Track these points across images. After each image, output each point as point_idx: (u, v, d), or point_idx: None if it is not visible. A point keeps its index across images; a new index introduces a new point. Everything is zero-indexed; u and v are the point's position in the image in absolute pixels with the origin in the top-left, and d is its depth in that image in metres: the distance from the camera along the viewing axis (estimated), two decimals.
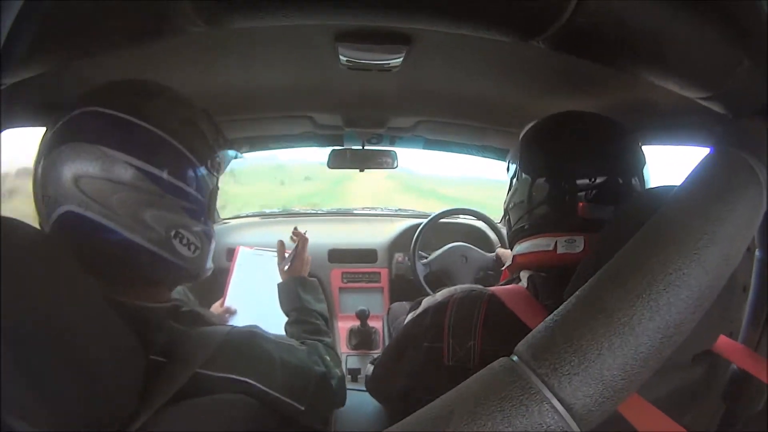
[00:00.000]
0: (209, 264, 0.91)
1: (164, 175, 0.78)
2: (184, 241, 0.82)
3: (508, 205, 1.03)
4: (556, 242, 0.88)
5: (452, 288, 0.97)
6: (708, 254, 0.48)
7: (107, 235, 0.75)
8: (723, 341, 0.79)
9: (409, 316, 1.05)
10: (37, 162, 0.77)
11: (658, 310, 0.45)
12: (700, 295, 0.47)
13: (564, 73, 1.12)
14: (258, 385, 0.81)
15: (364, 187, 7.08)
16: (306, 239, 1.33)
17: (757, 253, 0.85)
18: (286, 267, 1.28)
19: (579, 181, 0.89)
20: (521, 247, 0.96)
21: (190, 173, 0.82)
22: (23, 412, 0.56)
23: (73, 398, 0.61)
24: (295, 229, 1.38)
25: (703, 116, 0.77)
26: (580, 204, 0.88)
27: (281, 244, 1.31)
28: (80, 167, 0.73)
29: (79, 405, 0.62)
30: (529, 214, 0.95)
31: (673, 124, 1.10)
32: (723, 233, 0.50)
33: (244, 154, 2.23)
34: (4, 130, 0.90)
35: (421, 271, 2.06)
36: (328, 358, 1.01)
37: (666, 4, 0.61)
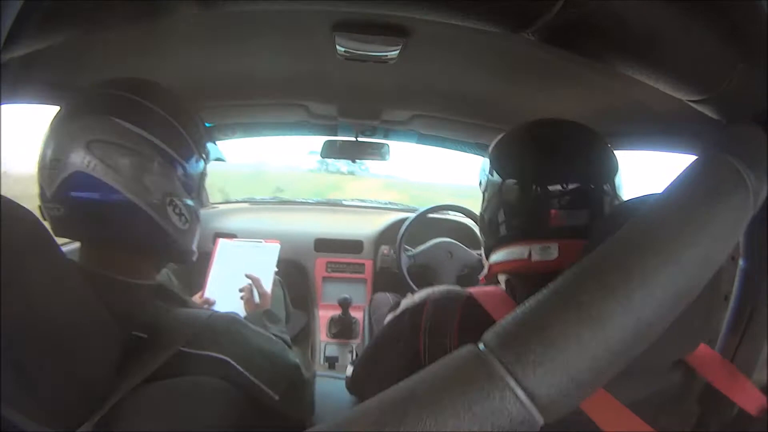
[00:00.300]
0: (195, 245, 0.96)
1: (167, 148, 0.86)
2: (177, 211, 0.88)
3: (482, 219, 1.02)
4: (530, 250, 0.88)
5: (430, 289, 0.97)
6: (687, 255, 0.48)
7: (110, 194, 0.81)
8: (701, 350, 0.79)
9: (388, 317, 1.05)
10: (49, 133, 0.83)
11: (631, 307, 0.44)
12: (676, 296, 0.47)
13: (559, 72, 1.12)
14: (237, 366, 0.83)
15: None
16: (257, 279, 1.35)
17: (740, 261, 0.86)
18: (256, 302, 1.34)
19: (551, 188, 0.89)
20: (497, 257, 0.95)
21: (186, 151, 0.89)
22: (4, 395, 0.56)
23: (51, 376, 0.62)
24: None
25: (694, 120, 0.77)
26: (553, 212, 0.88)
27: (257, 280, 1.35)
28: (94, 134, 0.80)
29: (57, 383, 0.63)
30: (503, 223, 0.94)
31: (664, 129, 1.11)
32: (704, 235, 0.50)
33: (238, 138, 2.24)
34: (4, 104, 0.91)
35: (405, 263, 2.06)
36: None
37: (660, 3, 0.61)
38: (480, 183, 1.04)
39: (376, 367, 1.01)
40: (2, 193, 0.61)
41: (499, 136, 1.02)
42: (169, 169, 0.86)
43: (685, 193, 0.55)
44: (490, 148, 1.01)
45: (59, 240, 0.75)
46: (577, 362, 0.43)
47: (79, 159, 0.80)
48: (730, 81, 0.64)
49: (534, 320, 0.45)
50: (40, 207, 0.84)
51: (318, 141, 2.20)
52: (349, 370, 1.17)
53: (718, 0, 0.58)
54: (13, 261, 0.59)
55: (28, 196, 0.83)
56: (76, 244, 0.90)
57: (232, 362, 0.83)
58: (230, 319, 0.90)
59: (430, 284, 1.04)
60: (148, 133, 0.83)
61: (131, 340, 0.76)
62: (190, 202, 0.91)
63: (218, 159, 1.02)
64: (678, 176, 0.56)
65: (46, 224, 0.76)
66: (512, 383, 0.41)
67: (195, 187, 0.93)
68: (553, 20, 0.68)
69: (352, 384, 1.15)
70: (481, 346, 0.45)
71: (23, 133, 0.90)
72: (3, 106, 0.93)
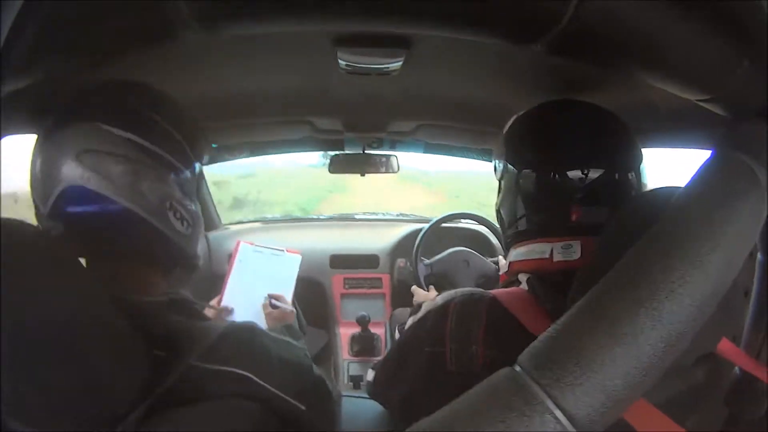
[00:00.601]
0: (199, 251, 0.94)
1: (159, 150, 0.83)
2: (178, 215, 0.85)
3: (499, 207, 1.00)
4: (552, 249, 0.85)
5: (453, 291, 0.93)
6: (710, 261, 0.48)
7: (107, 205, 0.78)
8: (725, 344, 0.78)
9: (410, 321, 1.02)
10: (36, 149, 0.81)
11: (661, 319, 0.44)
12: (702, 303, 0.47)
13: (564, 76, 1.12)
14: (257, 380, 0.80)
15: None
16: (281, 296, 1.39)
17: (759, 257, 0.85)
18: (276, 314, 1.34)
19: (571, 173, 0.86)
20: (517, 253, 0.93)
21: (181, 153, 0.87)
22: (23, 413, 0.56)
23: (74, 397, 0.61)
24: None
25: (704, 118, 0.76)
26: (576, 206, 0.85)
27: (281, 297, 1.38)
28: (82, 144, 0.78)
29: (80, 404, 0.62)
30: (522, 217, 0.92)
31: (673, 127, 1.10)
32: (725, 239, 0.50)
33: (244, 158, 2.26)
34: (4, 137, 0.91)
35: (422, 274, 2.05)
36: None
37: (666, 5, 0.61)
38: (495, 169, 1.01)
39: (400, 372, 0.98)
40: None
41: (513, 118, 0.99)
42: (165, 173, 0.84)
43: (703, 196, 0.54)
44: (504, 132, 0.99)
45: None
46: (613, 380, 0.43)
47: (71, 171, 0.77)
48: (737, 79, 0.64)
49: (567, 339, 0.45)
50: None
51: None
52: (371, 374, 1.13)
53: (722, 2, 0.57)
54: (26, 273, 0.59)
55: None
56: None
57: (252, 377, 0.80)
58: (248, 329, 0.87)
59: None
60: (138, 137, 0.80)
61: (151, 359, 0.74)
62: (189, 204, 0.89)
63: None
64: (692, 177, 0.56)
65: None
66: (551, 406, 0.41)
67: (193, 188, 0.91)
68: (561, 32, 0.68)
69: (375, 388, 1.11)
70: (517, 368, 0.45)
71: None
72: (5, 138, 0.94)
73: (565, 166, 0.86)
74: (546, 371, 0.43)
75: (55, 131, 0.80)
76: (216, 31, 0.77)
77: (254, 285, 1.38)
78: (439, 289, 1.77)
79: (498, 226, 1.04)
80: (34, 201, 0.82)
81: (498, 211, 1.01)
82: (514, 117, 0.99)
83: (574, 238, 0.84)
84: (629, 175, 0.87)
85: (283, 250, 1.58)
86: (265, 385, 0.81)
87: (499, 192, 1.00)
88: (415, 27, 0.81)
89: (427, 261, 2.08)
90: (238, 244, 1.54)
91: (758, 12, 0.54)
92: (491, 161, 1.03)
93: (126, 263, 0.84)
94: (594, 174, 0.85)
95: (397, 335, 1.34)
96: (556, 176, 0.86)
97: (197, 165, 0.92)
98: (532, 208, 0.90)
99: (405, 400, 0.96)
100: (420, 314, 0.97)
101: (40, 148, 0.81)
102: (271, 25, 0.78)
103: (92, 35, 0.67)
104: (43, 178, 0.79)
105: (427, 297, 1.65)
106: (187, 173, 0.89)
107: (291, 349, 0.93)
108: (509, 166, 0.93)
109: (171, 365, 0.74)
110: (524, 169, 0.91)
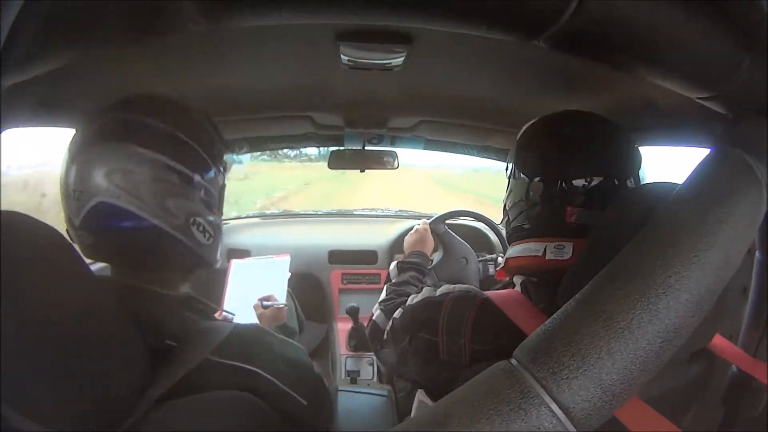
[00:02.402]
0: (219, 255, 0.99)
1: (185, 170, 0.86)
2: (201, 229, 0.90)
3: (506, 205, 1.03)
4: (545, 248, 0.88)
5: (452, 286, 0.98)
6: (708, 257, 0.48)
7: (136, 221, 0.83)
8: (721, 342, 0.79)
9: (410, 299, 1.06)
10: (69, 161, 0.84)
11: (658, 314, 0.45)
12: (699, 299, 0.47)
13: (565, 73, 1.12)
14: (265, 374, 0.84)
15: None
16: (271, 296, 1.41)
17: (757, 254, 0.85)
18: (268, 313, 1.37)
19: (575, 182, 0.89)
20: (513, 250, 0.96)
21: (206, 170, 0.91)
22: (25, 407, 0.56)
23: (76, 391, 0.62)
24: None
25: (704, 116, 0.76)
26: (572, 208, 0.88)
27: (271, 297, 1.40)
28: (113, 163, 0.81)
29: (82, 397, 0.62)
30: (524, 214, 0.95)
31: (674, 124, 1.10)
32: (723, 235, 0.50)
33: (244, 154, 2.26)
34: (5, 130, 0.91)
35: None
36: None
37: (667, 3, 0.61)
38: (506, 168, 1.05)
39: (401, 344, 1.03)
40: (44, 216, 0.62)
41: (526, 125, 1.02)
42: (190, 190, 0.88)
43: (701, 192, 0.54)
44: (518, 137, 1.02)
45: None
46: (609, 374, 0.43)
47: (102, 188, 0.81)
48: (737, 77, 0.64)
49: (564, 334, 0.45)
50: (68, 231, 0.85)
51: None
52: (378, 315, 1.20)
53: (722, 0, 0.58)
54: (33, 271, 0.60)
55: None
56: None
57: (260, 371, 0.83)
58: (255, 328, 0.92)
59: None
60: (166, 157, 0.84)
61: (163, 349, 0.78)
62: (212, 218, 0.93)
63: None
64: (691, 174, 0.56)
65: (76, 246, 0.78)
66: (547, 399, 0.42)
67: (216, 202, 0.95)
68: (563, 27, 0.68)
69: (375, 337, 1.18)
70: (513, 361, 0.45)
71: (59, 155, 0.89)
72: (15, 130, 0.94)
73: (568, 175, 0.89)
74: (542, 364, 0.43)
75: (85, 148, 0.83)
76: (219, 24, 0.77)
77: (249, 295, 1.41)
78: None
79: (498, 225, 1.07)
80: (65, 212, 0.85)
81: (505, 209, 1.04)
82: (526, 125, 1.02)
83: (567, 239, 0.87)
84: (628, 180, 0.90)
85: (272, 257, 1.62)
86: (272, 378, 0.85)
87: (507, 189, 1.03)
88: (417, 21, 0.81)
89: (427, 221, 2.07)
90: (230, 263, 1.60)
91: (759, 10, 0.55)
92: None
93: (149, 269, 0.89)
94: (596, 181, 0.88)
95: (391, 270, 1.38)
96: (561, 184, 0.90)
97: (221, 177, 0.96)
98: (532, 209, 0.93)
99: (403, 368, 1.04)
100: (419, 297, 1.02)
101: (71, 162, 0.83)
102: (274, 18, 0.78)
103: (95, 27, 0.67)
104: (75, 193, 0.83)
105: (418, 235, 1.68)
106: (212, 187, 0.93)
107: (293, 348, 0.96)
108: (518, 169, 0.97)
109: (186, 357, 0.77)
110: (531, 175, 0.94)
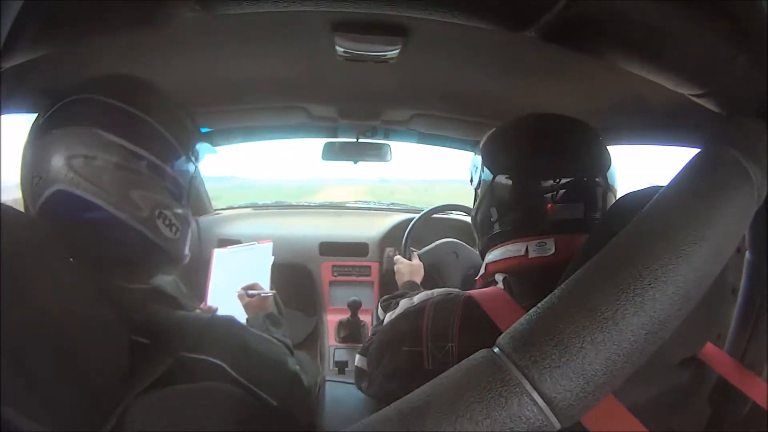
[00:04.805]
0: (187, 250, 0.94)
1: (152, 158, 0.81)
2: (167, 222, 0.85)
3: (475, 217, 1.03)
4: (527, 247, 0.89)
5: (430, 291, 0.98)
6: (695, 251, 0.48)
7: (95, 212, 0.77)
8: (710, 348, 0.79)
9: (387, 317, 1.05)
10: (27, 145, 0.80)
11: (643, 306, 0.44)
12: (686, 292, 0.47)
13: (559, 70, 1.12)
14: (231, 371, 0.81)
15: None
16: (256, 284, 1.37)
17: (747, 254, 0.85)
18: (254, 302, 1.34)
19: (544, 183, 0.89)
20: (492, 255, 0.96)
21: (174, 159, 0.86)
22: (12, 400, 0.56)
23: (61, 382, 0.61)
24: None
25: (696, 114, 0.76)
26: (549, 205, 0.89)
27: (255, 285, 1.36)
28: (74, 149, 0.76)
29: (67, 389, 0.62)
30: (497, 221, 0.95)
31: (664, 124, 1.10)
32: (711, 231, 0.50)
33: (238, 144, 2.24)
34: (4, 114, 0.90)
35: None
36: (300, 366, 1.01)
37: None
38: (471, 180, 1.04)
39: (378, 369, 1.00)
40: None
41: (490, 132, 1.03)
42: (157, 180, 0.83)
43: (691, 187, 0.54)
44: (481, 144, 1.02)
45: None
46: (592, 365, 0.43)
47: (61, 175, 0.76)
48: (731, 75, 0.64)
49: (548, 323, 0.45)
50: None
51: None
52: (359, 360, 1.14)
53: None
54: (16, 264, 0.58)
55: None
56: None
57: (227, 367, 0.81)
58: (229, 321, 0.89)
59: (436, 285, 1.04)
60: (133, 144, 0.79)
61: (132, 346, 0.73)
62: (180, 210, 0.88)
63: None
64: (682, 170, 0.56)
65: None
66: (528, 388, 0.42)
67: (185, 193, 0.90)
68: (555, 18, 0.68)
69: (360, 380, 1.13)
70: (495, 349, 0.45)
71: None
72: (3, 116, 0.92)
73: (538, 175, 0.90)
74: (524, 353, 0.43)
75: (46, 131, 0.78)
76: (213, 10, 0.76)
77: (233, 283, 1.39)
78: (427, 280, 1.78)
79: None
80: (23, 200, 0.81)
81: (474, 219, 1.04)
82: (492, 131, 1.03)
83: (548, 236, 0.88)
84: (597, 179, 0.91)
85: (254, 243, 1.60)
86: (237, 377, 0.82)
87: (475, 201, 1.03)
88: (410, 10, 0.80)
89: (416, 253, 2.08)
90: (212, 253, 1.58)
91: (757, 8, 0.54)
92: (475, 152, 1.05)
93: (111, 263, 0.83)
94: (565, 180, 0.89)
95: (380, 312, 1.36)
96: (530, 183, 0.91)
97: (191, 166, 0.91)
98: (506, 211, 0.94)
99: (385, 395, 0.98)
100: (398, 311, 1.00)
101: (33, 145, 0.79)
102: (268, 5, 0.78)
103: (91, 14, 0.66)
104: (33, 177, 0.78)
105: (410, 267, 1.72)
106: (180, 178, 0.87)
107: (268, 345, 0.94)
108: (485, 174, 0.97)
109: (159, 354, 0.75)
110: (500, 177, 0.94)
